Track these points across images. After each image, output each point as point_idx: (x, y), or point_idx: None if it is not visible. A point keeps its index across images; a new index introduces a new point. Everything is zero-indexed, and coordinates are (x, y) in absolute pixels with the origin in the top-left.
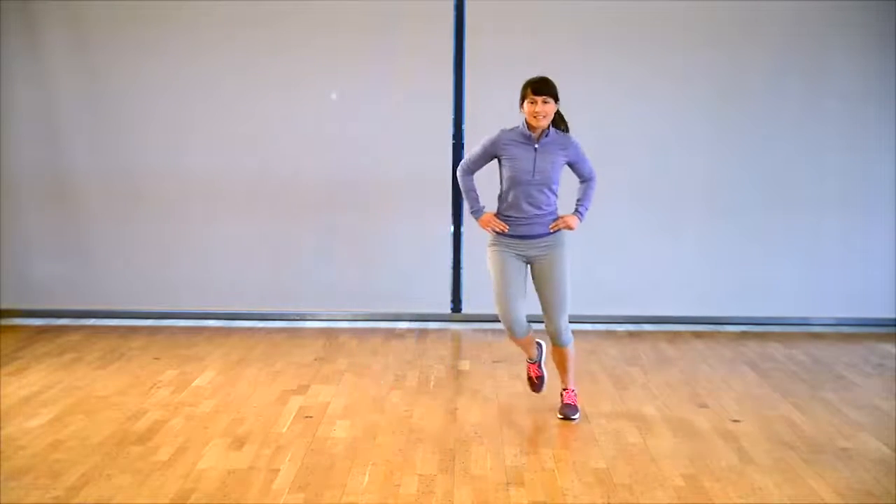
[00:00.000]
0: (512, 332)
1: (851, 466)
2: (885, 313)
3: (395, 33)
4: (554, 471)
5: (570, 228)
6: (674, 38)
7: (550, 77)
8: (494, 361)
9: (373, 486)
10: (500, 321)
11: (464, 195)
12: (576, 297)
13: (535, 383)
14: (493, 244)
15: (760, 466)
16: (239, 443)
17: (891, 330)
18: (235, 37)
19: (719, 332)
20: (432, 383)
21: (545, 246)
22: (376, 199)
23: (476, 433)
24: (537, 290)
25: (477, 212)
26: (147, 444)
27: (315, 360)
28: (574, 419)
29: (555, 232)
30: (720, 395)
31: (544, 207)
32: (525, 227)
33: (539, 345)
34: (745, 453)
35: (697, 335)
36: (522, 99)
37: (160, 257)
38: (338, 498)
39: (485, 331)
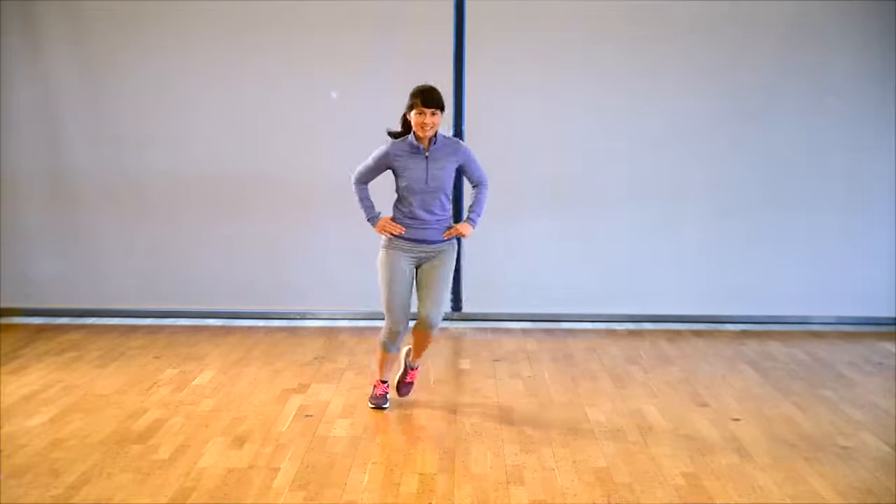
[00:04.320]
0: (392, 338)
1: (852, 465)
2: (886, 312)
3: (396, 34)
4: (554, 470)
5: (463, 236)
6: (674, 37)
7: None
8: (494, 360)
9: (373, 484)
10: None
11: (358, 204)
12: (576, 296)
13: (380, 400)
14: (387, 246)
15: (761, 465)
16: (239, 441)
17: (891, 329)
18: (235, 37)
19: (720, 331)
20: (433, 382)
21: (437, 252)
22: (376, 198)
23: (476, 432)
24: (419, 283)
25: (373, 219)
26: (147, 443)
27: (315, 358)
28: (406, 397)
29: (448, 239)
30: (720, 394)
31: (439, 213)
32: (420, 232)
33: (386, 381)
34: (745, 452)
35: (698, 334)
36: (410, 108)
37: (160, 256)
38: (338, 497)
39: (485, 330)
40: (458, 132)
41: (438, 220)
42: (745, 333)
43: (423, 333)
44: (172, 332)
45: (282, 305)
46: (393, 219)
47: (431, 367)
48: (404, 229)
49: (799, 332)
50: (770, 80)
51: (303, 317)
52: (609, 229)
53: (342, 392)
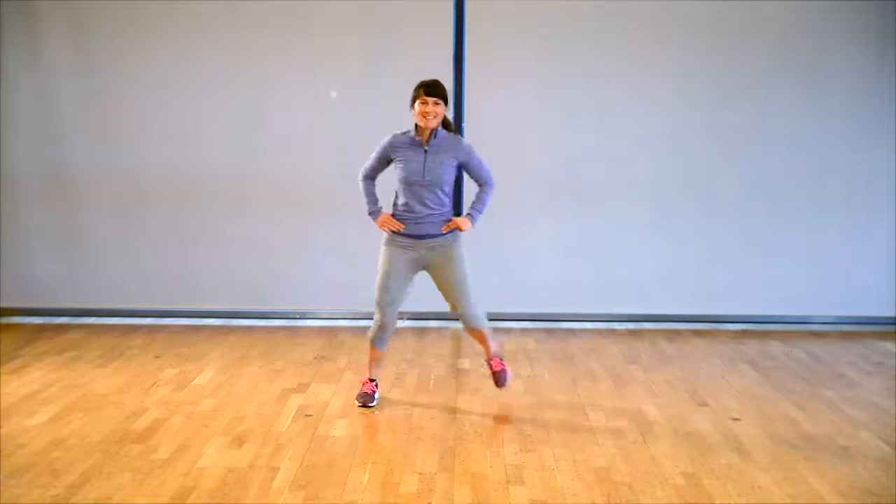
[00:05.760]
0: (380, 333)
1: (851, 464)
2: (885, 312)
3: (396, 34)
4: (554, 469)
5: (461, 230)
6: (673, 38)
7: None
8: None
9: (373, 484)
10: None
11: (363, 197)
12: (576, 295)
13: (367, 396)
14: (386, 243)
15: (760, 465)
16: (239, 441)
17: (891, 328)
18: (235, 37)
19: (719, 331)
20: (432, 382)
21: (438, 247)
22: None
23: (476, 431)
24: (440, 290)
25: (374, 213)
26: (147, 443)
27: (315, 358)
28: (507, 384)
29: (448, 233)
30: (720, 394)
31: (435, 208)
32: (417, 227)
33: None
34: (745, 451)
35: (697, 333)
36: (414, 100)
37: (160, 256)
38: (338, 496)
39: None
40: (458, 132)
41: (433, 214)
42: (744, 333)
43: (471, 331)
44: (172, 332)
45: (282, 305)
46: (392, 214)
47: (431, 366)
48: (403, 227)
49: (799, 332)
50: (769, 80)
51: (303, 316)
52: (609, 228)
53: (342, 392)
